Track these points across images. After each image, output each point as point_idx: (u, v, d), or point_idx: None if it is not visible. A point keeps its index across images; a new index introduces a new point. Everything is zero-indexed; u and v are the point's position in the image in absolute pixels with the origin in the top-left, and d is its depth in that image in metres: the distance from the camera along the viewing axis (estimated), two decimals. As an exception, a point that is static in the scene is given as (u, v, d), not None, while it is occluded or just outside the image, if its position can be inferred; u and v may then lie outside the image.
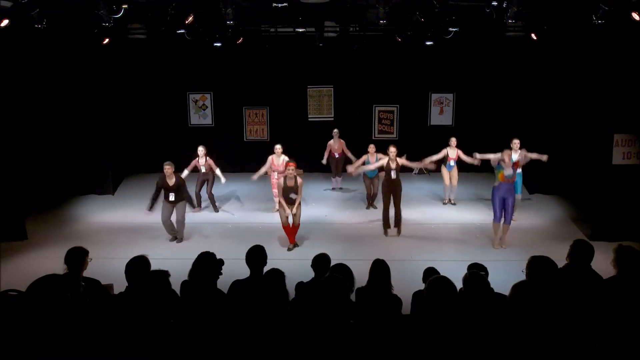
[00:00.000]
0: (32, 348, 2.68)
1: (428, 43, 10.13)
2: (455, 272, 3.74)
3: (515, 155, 8.81)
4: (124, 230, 9.15)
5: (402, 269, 5.95)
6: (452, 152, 10.16)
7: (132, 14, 8.48)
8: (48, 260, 6.66)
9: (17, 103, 9.64)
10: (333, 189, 11.68)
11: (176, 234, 8.62)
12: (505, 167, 7.98)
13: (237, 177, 11.20)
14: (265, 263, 4.52)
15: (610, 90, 8.66)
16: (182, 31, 9.44)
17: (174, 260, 5.11)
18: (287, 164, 8.32)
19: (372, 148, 10.07)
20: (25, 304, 2.92)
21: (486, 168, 10.91)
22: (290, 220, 8.26)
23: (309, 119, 13.03)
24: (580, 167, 10.20)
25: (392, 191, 8.72)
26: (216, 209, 10.17)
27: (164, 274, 3.40)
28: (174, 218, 8.52)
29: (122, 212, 10.13)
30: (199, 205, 9.97)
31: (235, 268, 4.60)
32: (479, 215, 9.66)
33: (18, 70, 9.59)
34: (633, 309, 3.63)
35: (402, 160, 8.75)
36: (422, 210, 10.10)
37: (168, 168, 8.32)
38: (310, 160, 11.92)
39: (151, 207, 8.44)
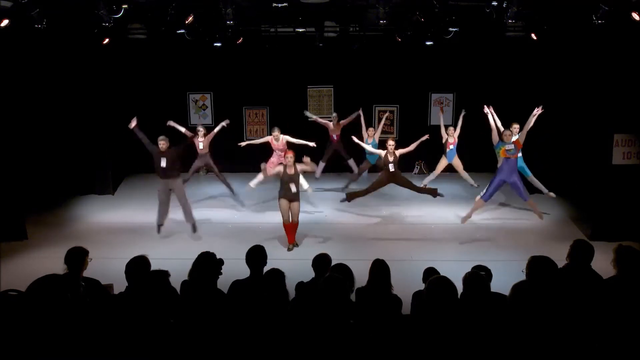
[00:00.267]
0: (32, 348, 2.68)
1: (428, 43, 10.13)
2: (455, 272, 3.73)
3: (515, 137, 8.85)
4: (124, 230, 9.14)
5: (402, 269, 5.94)
6: (451, 137, 10.34)
7: (132, 14, 8.48)
8: (48, 260, 6.64)
9: (17, 103, 9.63)
10: (317, 178, 11.19)
11: (187, 221, 8.54)
12: (505, 141, 8.12)
13: (237, 177, 11.19)
14: (265, 263, 4.52)
15: (610, 90, 8.65)
16: (182, 31, 9.45)
17: (174, 260, 5.10)
18: (286, 152, 8.37)
19: (371, 131, 10.51)
20: (25, 304, 2.92)
21: (486, 168, 10.95)
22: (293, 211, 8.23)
23: (309, 119, 13.00)
24: (580, 167, 10.18)
25: (394, 181, 8.93)
26: (232, 190, 10.28)
27: (164, 274, 3.40)
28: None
29: (122, 212, 10.13)
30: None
31: (235, 268, 4.60)
32: (479, 215, 9.64)
33: (18, 70, 9.58)
34: (633, 309, 3.63)
35: (400, 151, 8.87)
36: (422, 210, 10.10)
37: (163, 143, 8.19)
38: (310, 160, 11.83)
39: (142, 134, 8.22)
